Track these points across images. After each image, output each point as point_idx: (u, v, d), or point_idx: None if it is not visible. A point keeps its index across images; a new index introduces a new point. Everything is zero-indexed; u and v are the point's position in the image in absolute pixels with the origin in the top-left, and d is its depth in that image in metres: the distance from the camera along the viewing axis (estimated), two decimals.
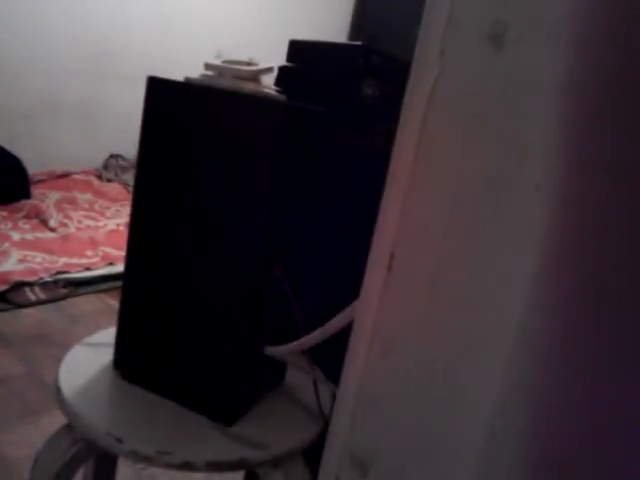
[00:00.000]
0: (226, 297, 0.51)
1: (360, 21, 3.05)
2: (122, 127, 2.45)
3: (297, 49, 0.59)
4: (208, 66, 0.51)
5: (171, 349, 0.54)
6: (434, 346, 0.33)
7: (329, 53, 0.58)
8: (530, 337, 0.28)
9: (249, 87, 0.50)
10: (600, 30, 0.27)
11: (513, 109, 0.29)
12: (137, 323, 0.56)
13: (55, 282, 1.67)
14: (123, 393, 0.55)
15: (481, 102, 0.31)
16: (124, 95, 2.49)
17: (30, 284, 1.62)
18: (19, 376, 1.22)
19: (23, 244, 1.85)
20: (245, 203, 0.49)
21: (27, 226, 2.00)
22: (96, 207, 2.32)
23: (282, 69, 0.60)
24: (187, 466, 0.47)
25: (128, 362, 0.57)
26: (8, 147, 2.19)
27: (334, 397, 0.41)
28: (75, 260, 1.81)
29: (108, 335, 0.61)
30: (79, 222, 2.14)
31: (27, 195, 2.19)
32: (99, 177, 2.57)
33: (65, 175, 2.47)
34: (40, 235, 1.96)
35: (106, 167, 2.64)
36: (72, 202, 2.29)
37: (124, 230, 2.09)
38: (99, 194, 2.43)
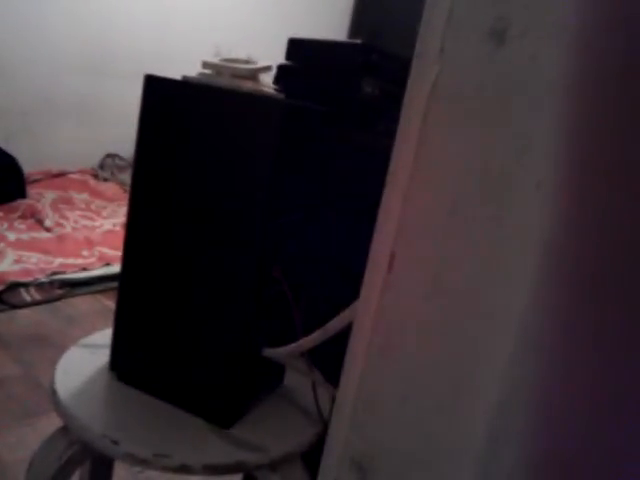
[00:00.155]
0: (223, 298, 0.50)
1: (360, 17, 3.04)
2: (119, 125, 2.44)
3: (296, 47, 0.59)
4: (206, 64, 0.51)
5: (168, 350, 0.54)
6: (435, 347, 0.32)
7: (328, 51, 0.58)
8: (531, 336, 0.28)
9: (247, 86, 0.50)
10: (602, 29, 0.27)
11: (514, 107, 0.29)
12: (134, 324, 0.55)
13: (51, 283, 1.66)
14: (119, 395, 0.55)
15: (482, 100, 0.30)
16: (121, 93, 2.47)
17: (25, 285, 1.61)
18: (15, 378, 1.22)
19: (18, 244, 1.84)
20: (243, 202, 0.48)
21: (23, 226, 1.99)
22: (92, 207, 2.31)
23: (281, 67, 0.59)
24: (184, 469, 0.47)
25: (124, 364, 0.57)
26: (4, 146, 2.18)
27: (333, 400, 0.40)
28: (71, 260, 1.80)
29: (104, 336, 0.60)
30: (75, 222, 2.13)
31: (23, 195, 2.18)
32: (95, 177, 2.57)
33: (61, 174, 2.46)
34: (36, 235, 1.95)
35: (102, 166, 2.63)
36: (68, 202, 2.28)
37: (120, 230, 2.08)
38: (95, 194, 2.42)
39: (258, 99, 0.49)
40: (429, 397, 0.33)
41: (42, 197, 2.23)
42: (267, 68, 0.52)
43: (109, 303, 1.63)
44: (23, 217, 2.05)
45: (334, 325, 0.46)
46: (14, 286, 1.58)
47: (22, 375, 1.23)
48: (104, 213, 2.29)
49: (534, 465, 0.29)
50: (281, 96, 0.52)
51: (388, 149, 0.33)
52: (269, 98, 0.51)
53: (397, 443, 0.34)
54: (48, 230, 2.01)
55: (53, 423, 0.54)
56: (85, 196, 2.38)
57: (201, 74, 0.51)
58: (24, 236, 1.92)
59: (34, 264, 1.72)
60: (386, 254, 0.33)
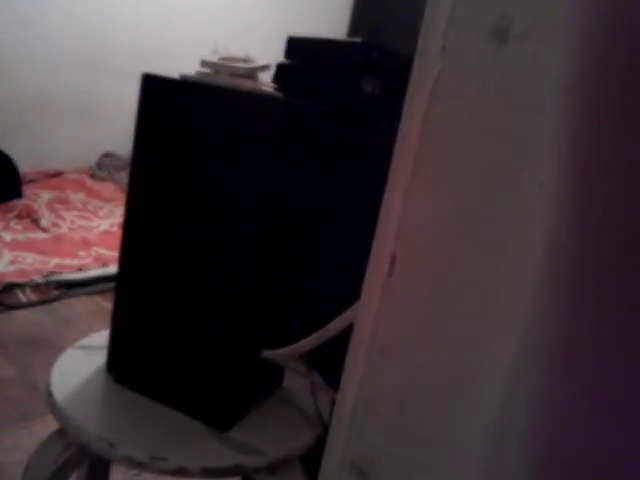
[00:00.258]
0: (222, 299, 0.50)
1: (360, 12, 3.03)
2: (117, 123, 2.43)
3: (295, 46, 0.58)
4: (204, 63, 0.51)
5: (165, 352, 0.53)
6: (436, 349, 0.32)
7: (328, 50, 0.57)
8: (533, 337, 0.28)
9: (246, 85, 0.50)
10: (605, 28, 0.26)
11: (516, 106, 0.29)
12: (131, 326, 0.55)
13: (47, 283, 1.65)
14: (116, 397, 0.54)
15: (484, 99, 0.30)
16: (119, 90, 2.45)
17: (21, 285, 1.60)
18: (10, 379, 1.21)
19: (14, 245, 1.83)
20: (241, 202, 0.48)
21: (19, 226, 1.98)
22: (89, 207, 2.30)
23: (280, 66, 0.59)
24: (181, 472, 0.47)
25: (121, 366, 0.56)
26: (0, 144, 2.17)
27: (333, 402, 0.40)
28: (67, 261, 1.79)
29: (101, 338, 0.60)
30: (72, 222, 2.13)
31: (19, 195, 2.16)
32: (92, 176, 2.55)
33: (57, 174, 2.45)
34: (32, 235, 1.94)
35: (99, 166, 2.62)
36: (65, 202, 2.27)
37: (118, 230, 2.07)
38: (92, 194, 2.41)
39: (257, 98, 0.49)
40: (430, 400, 0.32)
41: (38, 197, 2.22)
42: (265, 67, 0.52)
43: (106, 304, 1.62)
44: (19, 217, 2.04)
45: (334, 326, 0.45)
46: (10, 287, 1.58)
47: (18, 377, 1.22)
48: (101, 213, 2.28)
49: (536, 465, 0.29)
50: (280, 95, 0.52)
51: (389, 148, 0.33)
52: (268, 97, 0.50)
53: (398, 446, 0.34)
54: (44, 230, 2.00)
55: (50, 426, 0.54)
56: (82, 196, 2.37)
57: (199, 73, 0.51)
58: (20, 236, 1.91)
59: (30, 265, 1.71)
60: (387, 255, 0.33)
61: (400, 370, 0.33)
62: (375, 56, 0.55)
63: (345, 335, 0.39)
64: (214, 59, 0.50)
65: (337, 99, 0.55)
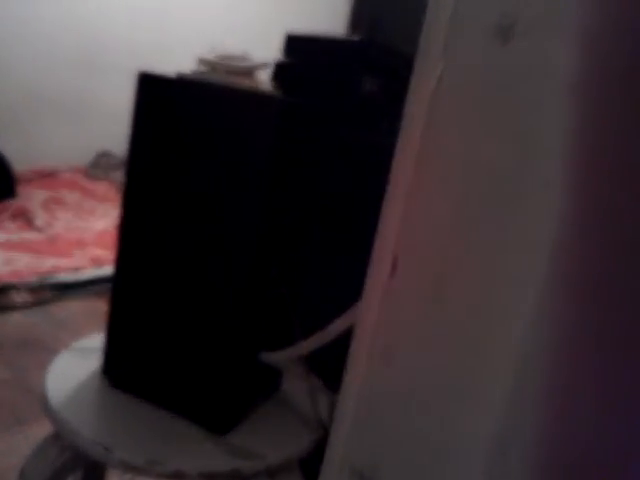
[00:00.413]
0: (220, 300, 0.49)
1: (360, 5, 3.01)
2: (112, 121, 2.41)
3: (294, 43, 0.58)
4: (201, 61, 0.50)
5: (162, 355, 0.53)
6: (438, 351, 0.32)
7: (327, 48, 0.57)
8: (536, 338, 0.28)
9: (243, 83, 0.49)
10: (608, 27, 0.26)
11: (519, 105, 0.29)
12: (127, 328, 0.54)
13: (42, 285, 1.64)
14: (112, 400, 0.54)
15: (487, 98, 0.30)
16: (116, 89, 2.44)
17: (15, 287, 1.59)
18: (5, 382, 1.20)
19: (8, 245, 1.81)
20: (239, 202, 0.47)
21: (13, 226, 1.97)
22: (84, 207, 2.29)
23: (278, 64, 0.58)
24: (179, 476, 0.46)
25: (117, 368, 0.56)
26: None
27: (332, 406, 0.40)
28: (63, 262, 1.78)
29: (96, 340, 0.59)
30: (67, 222, 2.11)
31: (13, 194, 2.15)
32: (87, 175, 2.54)
33: (52, 174, 2.43)
34: (26, 236, 1.93)
35: (94, 165, 2.60)
36: (59, 202, 2.25)
37: (113, 231, 2.06)
38: (87, 193, 2.40)
39: (254, 96, 0.49)
40: (432, 403, 0.32)
41: (32, 197, 2.20)
42: (263, 65, 0.51)
43: (101, 306, 1.61)
44: (13, 217, 2.03)
45: (335, 328, 0.45)
46: (4, 288, 1.56)
47: (12, 379, 1.21)
48: (96, 213, 2.26)
49: (538, 468, 0.29)
50: (278, 93, 0.51)
51: (390, 148, 0.33)
52: (265, 95, 0.50)
53: (399, 450, 0.33)
54: (39, 231, 1.98)
55: (45, 429, 0.53)
56: (77, 196, 2.35)
57: (196, 71, 0.50)
58: (14, 237, 1.89)
59: (24, 265, 1.70)
60: (389, 255, 0.33)
61: (402, 372, 0.33)
62: (375, 54, 0.54)
63: (343, 338, 0.39)
64: (211, 57, 0.50)
65: (336, 98, 0.54)
